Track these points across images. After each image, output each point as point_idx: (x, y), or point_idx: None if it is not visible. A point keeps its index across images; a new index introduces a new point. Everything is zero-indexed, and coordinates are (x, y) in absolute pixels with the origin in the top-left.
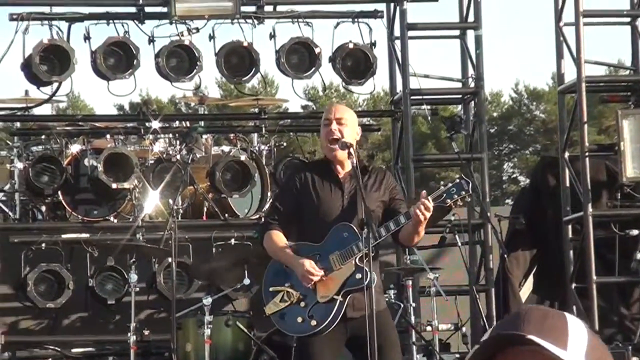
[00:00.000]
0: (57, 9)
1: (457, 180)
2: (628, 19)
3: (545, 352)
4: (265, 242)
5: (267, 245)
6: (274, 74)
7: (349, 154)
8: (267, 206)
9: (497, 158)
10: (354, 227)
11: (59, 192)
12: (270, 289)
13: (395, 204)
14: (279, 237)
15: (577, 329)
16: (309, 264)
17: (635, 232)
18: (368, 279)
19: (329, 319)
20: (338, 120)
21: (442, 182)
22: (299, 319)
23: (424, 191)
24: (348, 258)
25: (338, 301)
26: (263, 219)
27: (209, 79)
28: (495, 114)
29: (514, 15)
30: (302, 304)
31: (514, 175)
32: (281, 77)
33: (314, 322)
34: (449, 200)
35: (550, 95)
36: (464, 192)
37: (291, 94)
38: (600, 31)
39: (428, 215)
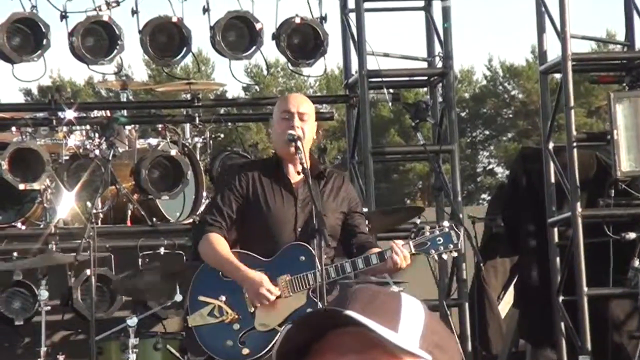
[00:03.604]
0: None
1: (446, 229)
2: None
3: (372, 335)
4: (203, 246)
5: (206, 251)
6: (209, 51)
7: (296, 148)
8: (202, 209)
9: (471, 146)
10: (313, 252)
11: None
12: (200, 298)
13: (355, 219)
14: (221, 243)
15: (412, 309)
16: (266, 282)
17: (632, 235)
18: None
19: (265, 351)
20: (301, 115)
21: (428, 227)
22: (229, 342)
23: (398, 241)
24: (300, 287)
25: (278, 333)
26: (199, 218)
27: (135, 57)
28: (466, 95)
29: None
30: (236, 326)
31: (490, 167)
32: (218, 55)
33: (245, 351)
34: (432, 251)
35: (530, 71)
36: (452, 246)
37: (230, 76)
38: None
39: (405, 264)
